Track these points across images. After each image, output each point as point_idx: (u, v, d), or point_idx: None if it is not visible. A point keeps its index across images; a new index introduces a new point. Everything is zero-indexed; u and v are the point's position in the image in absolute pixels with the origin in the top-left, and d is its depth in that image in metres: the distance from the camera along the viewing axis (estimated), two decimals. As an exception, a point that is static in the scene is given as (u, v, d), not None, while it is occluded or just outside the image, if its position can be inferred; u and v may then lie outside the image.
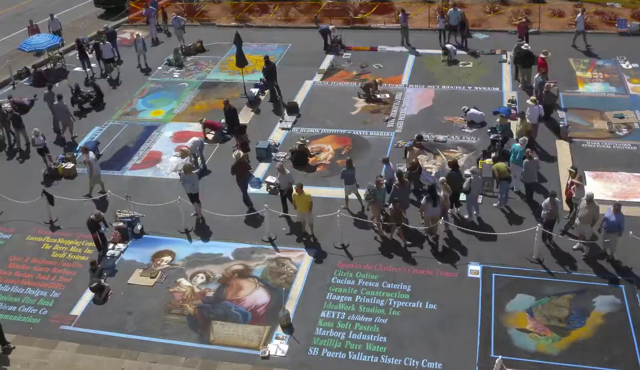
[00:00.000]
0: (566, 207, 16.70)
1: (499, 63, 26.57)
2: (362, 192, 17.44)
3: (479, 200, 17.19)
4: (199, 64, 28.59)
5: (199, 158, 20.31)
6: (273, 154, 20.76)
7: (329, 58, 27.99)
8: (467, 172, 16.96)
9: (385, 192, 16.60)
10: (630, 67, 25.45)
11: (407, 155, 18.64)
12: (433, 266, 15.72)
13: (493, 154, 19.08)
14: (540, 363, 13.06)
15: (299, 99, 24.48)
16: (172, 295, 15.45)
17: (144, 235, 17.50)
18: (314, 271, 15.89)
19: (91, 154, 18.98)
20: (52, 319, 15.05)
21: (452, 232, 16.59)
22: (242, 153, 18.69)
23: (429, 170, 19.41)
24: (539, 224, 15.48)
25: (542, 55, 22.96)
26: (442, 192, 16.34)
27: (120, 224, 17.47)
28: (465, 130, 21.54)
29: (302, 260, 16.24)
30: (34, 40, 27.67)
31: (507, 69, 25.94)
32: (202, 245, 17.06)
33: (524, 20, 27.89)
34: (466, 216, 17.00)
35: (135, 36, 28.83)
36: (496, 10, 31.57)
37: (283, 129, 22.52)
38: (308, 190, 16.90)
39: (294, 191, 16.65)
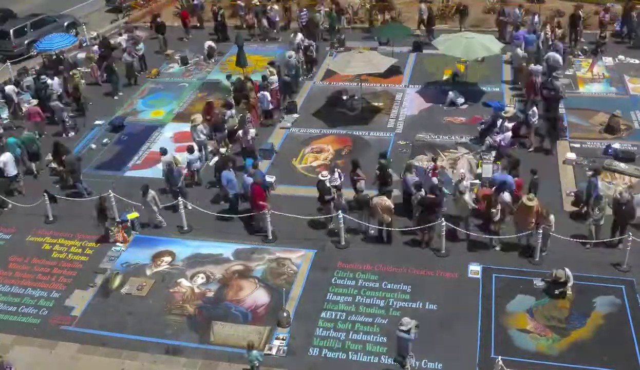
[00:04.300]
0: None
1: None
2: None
3: None
4: (199, 64, 28.60)
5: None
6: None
7: (329, 58, 28.02)
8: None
9: None
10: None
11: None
12: (433, 266, 15.73)
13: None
14: (541, 363, 13.06)
15: (299, 99, 24.51)
16: (172, 296, 15.46)
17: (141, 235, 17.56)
18: (314, 271, 15.90)
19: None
20: (52, 319, 15.05)
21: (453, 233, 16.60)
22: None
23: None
24: (541, 225, 15.47)
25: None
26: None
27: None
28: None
29: (302, 261, 16.24)
30: (45, 41, 27.81)
31: (507, 69, 25.93)
32: (202, 245, 17.07)
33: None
34: None
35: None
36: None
37: (282, 128, 22.53)
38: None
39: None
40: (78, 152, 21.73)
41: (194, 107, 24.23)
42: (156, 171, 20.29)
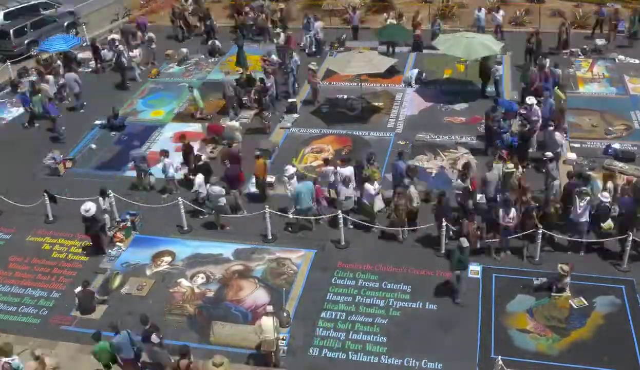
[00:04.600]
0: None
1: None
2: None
3: None
4: (199, 64, 28.61)
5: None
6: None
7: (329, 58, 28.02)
8: None
9: None
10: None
11: None
12: (433, 266, 15.73)
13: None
14: (541, 363, 13.07)
15: (299, 99, 24.51)
16: (172, 296, 15.46)
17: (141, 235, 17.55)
18: (314, 271, 15.90)
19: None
20: (52, 319, 15.05)
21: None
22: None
23: (428, 171, 19.44)
24: (540, 226, 15.47)
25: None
26: None
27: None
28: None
29: (302, 261, 16.25)
30: (46, 42, 27.83)
31: (507, 67, 25.93)
32: (202, 245, 17.07)
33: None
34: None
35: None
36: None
37: (282, 128, 22.54)
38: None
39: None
40: (78, 152, 21.80)
41: (194, 107, 24.24)
42: (156, 171, 20.27)
